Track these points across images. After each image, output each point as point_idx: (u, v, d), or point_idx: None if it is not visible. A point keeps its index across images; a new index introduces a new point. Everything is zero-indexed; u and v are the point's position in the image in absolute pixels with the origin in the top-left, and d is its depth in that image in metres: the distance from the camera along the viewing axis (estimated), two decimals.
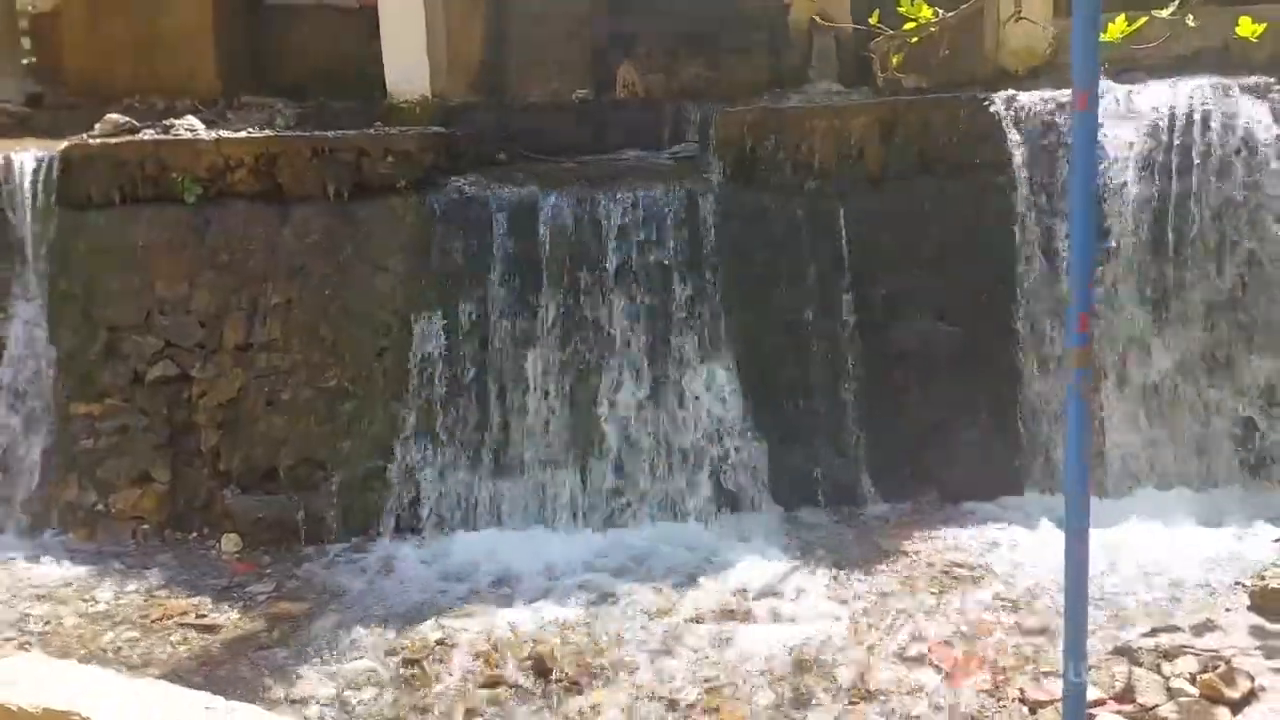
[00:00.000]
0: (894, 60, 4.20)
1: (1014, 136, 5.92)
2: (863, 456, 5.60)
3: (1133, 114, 5.96)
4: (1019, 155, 5.91)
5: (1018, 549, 5.07)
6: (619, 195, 5.76)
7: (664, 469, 5.47)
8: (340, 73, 8.09)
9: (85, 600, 4.72)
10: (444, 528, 5.34)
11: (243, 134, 5.84)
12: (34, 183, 5.66)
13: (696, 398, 5.53)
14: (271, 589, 4.87)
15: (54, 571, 5.00)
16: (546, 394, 5.56)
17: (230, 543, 5.26)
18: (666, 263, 5.70)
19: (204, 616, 4.57)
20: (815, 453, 5.62)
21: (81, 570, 5.01)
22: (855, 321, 5.74)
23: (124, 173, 5.67)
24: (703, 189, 5.83)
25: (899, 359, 5.73)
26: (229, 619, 4.53)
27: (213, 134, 5.90)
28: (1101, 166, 5.76)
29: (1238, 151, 5.83)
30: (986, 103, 5.88)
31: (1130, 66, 6.29)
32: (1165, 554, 5.02)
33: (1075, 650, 2.66)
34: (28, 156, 5.75)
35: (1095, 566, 3.99)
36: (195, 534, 5.33)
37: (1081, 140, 3.13)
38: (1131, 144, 5.81)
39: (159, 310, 5.57)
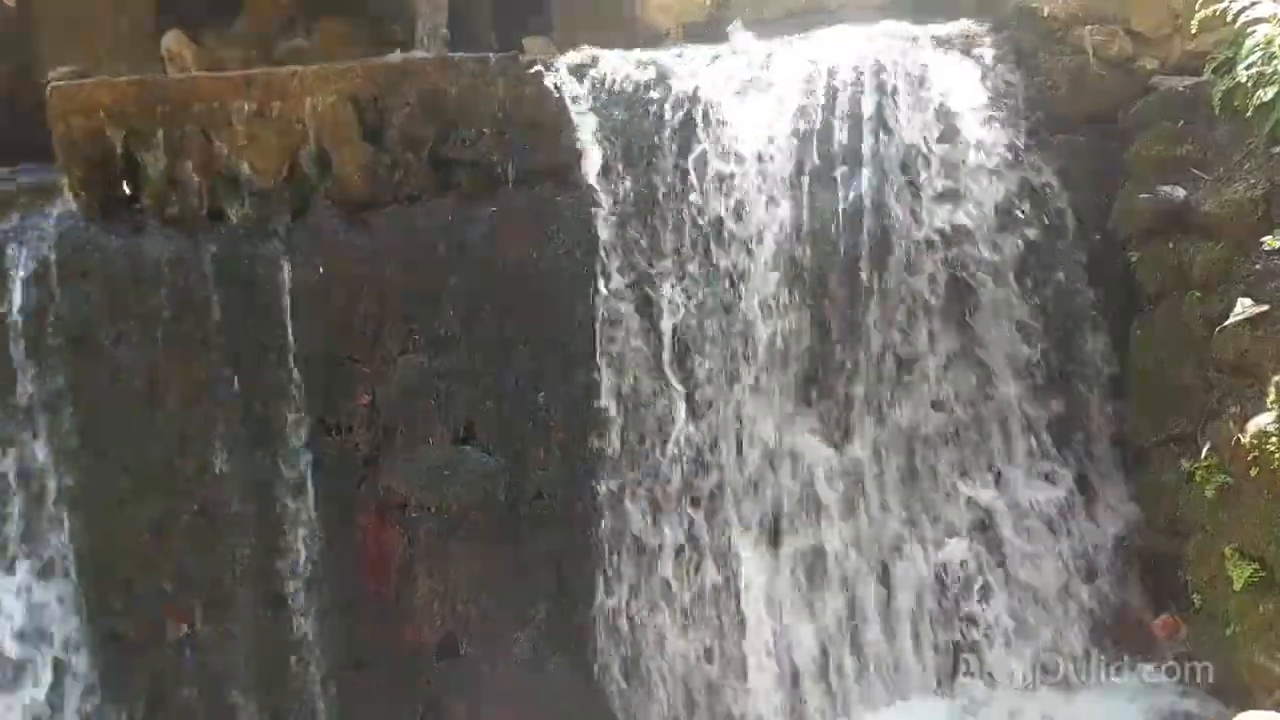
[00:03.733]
0: None
1: (586, 125, 2.23)
2: (326, 710, 1.85)
3: (771, 84, 2.30)
4: (596, 157, 2.18)
5: None
6: None
7: None
8: None
9: None
10: None
11: None
12: None
13: None
14: None
15: None
16: None
17: None
18: None
19: None
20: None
21: None
22: (311, 460, 1.91)
23: None
24: (34, 231, 1.90)
25: (393, 520, 1.96)
26: None
27: None
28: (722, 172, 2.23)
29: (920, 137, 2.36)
30: (535, 70, 2.13)
31: (821, 17, 2.75)
32: None
33: None
34: None
35: None
36: None
37: None
38: (770, 136, 2.22)
39: None
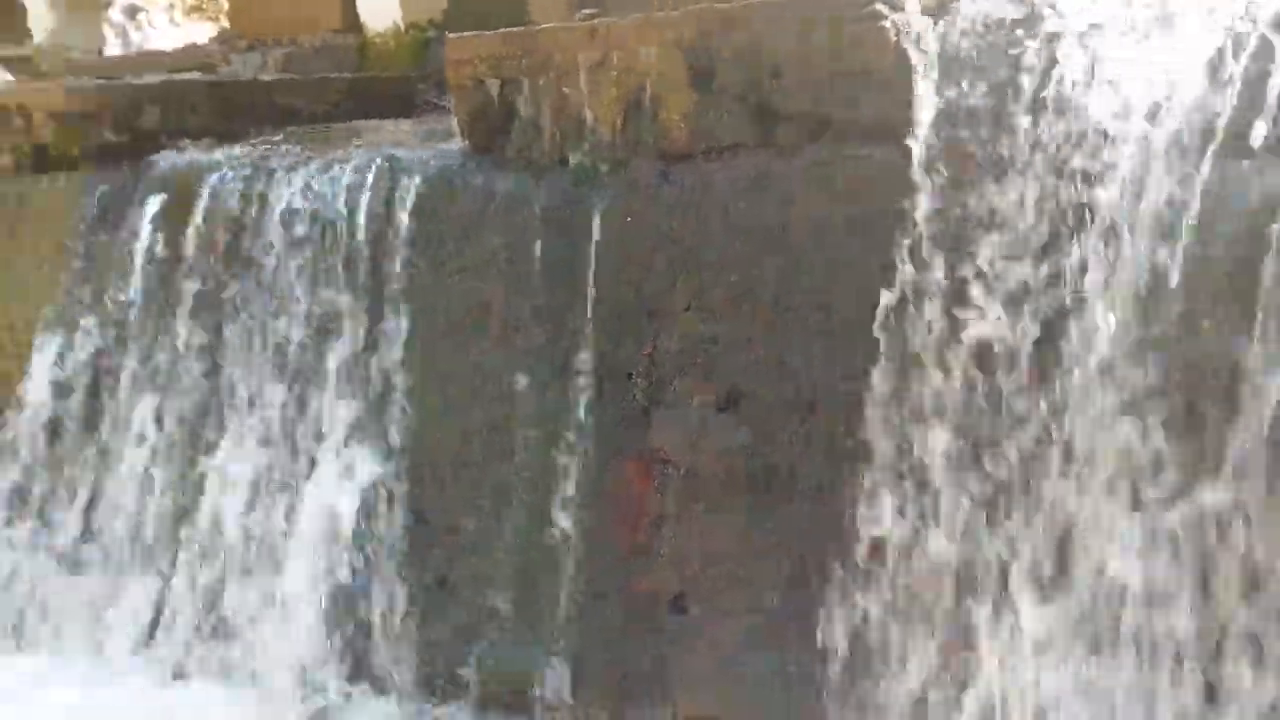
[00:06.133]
0: None
1: (926, 74, 1.87)
2: (564, 637, 2.04)
3: (1183, 21, 1.67)
4: (930, 110, 1.84)
5: None
6: (302, 171, 2.47)
7: (257, 598, 2.32)
8: None
9: None
10: None
11: None
12: None
13: (330, 504, 2.25)
14: None
15: None
16: (149, 465, 2.52)
17: None
18: (333, 279, 2.34)
19: None
20: (484, 616, 2.13)
21: None
22: (592, 400, 2.06)
23: None
24: (417, 166, 2.37)
25: (652, 473, 2.04)
26: None
27: None
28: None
29: None
30: (870, 10, 1.85)
31: None
32: None
33: None
34: None
35: None
36: None
37: None
38: (1166, 96, 1.67)
39: None
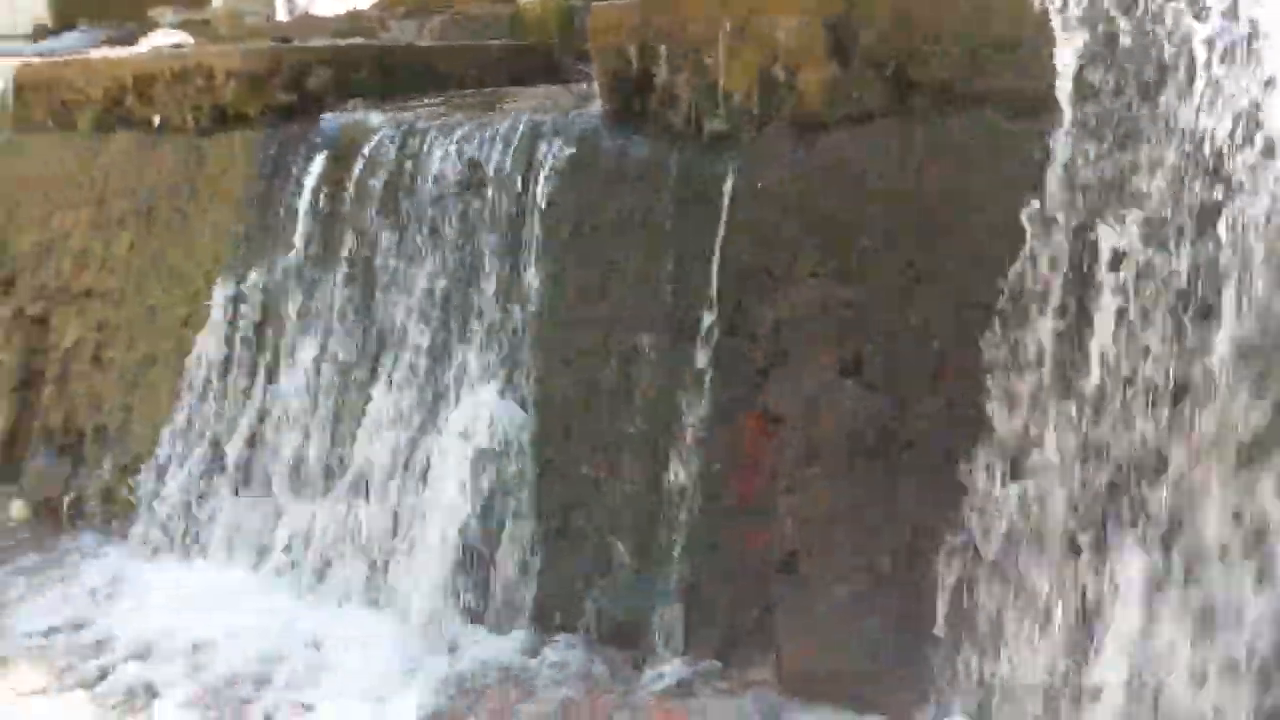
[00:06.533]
0: None
1: (1071, 43, 1.91)
2: (674, 582, 2.23)
3: None
4: (1072, 80, 1.89)
5: None
6: (452, 134, 2.72)
7: (393, 528, 2.61)
8: None
9: None
10: (166, 546, 2.95)
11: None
12: None
13: (463, 446, 2.52)
14: None
15: None
16: (308, 403, 2.83)
17: (19, 510, 3.26)
18: (477, 234, 2.60)
19: None
20: (601, 560, 2.35)
21: None
22: (713, 360, 2.23)
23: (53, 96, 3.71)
24: (561, 130, 2.58)
25: (770, 432, 2.19)
26: None
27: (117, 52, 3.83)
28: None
29: None
30: None
31: None
32: None
33: None
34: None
35: None
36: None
37: None
38: None
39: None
